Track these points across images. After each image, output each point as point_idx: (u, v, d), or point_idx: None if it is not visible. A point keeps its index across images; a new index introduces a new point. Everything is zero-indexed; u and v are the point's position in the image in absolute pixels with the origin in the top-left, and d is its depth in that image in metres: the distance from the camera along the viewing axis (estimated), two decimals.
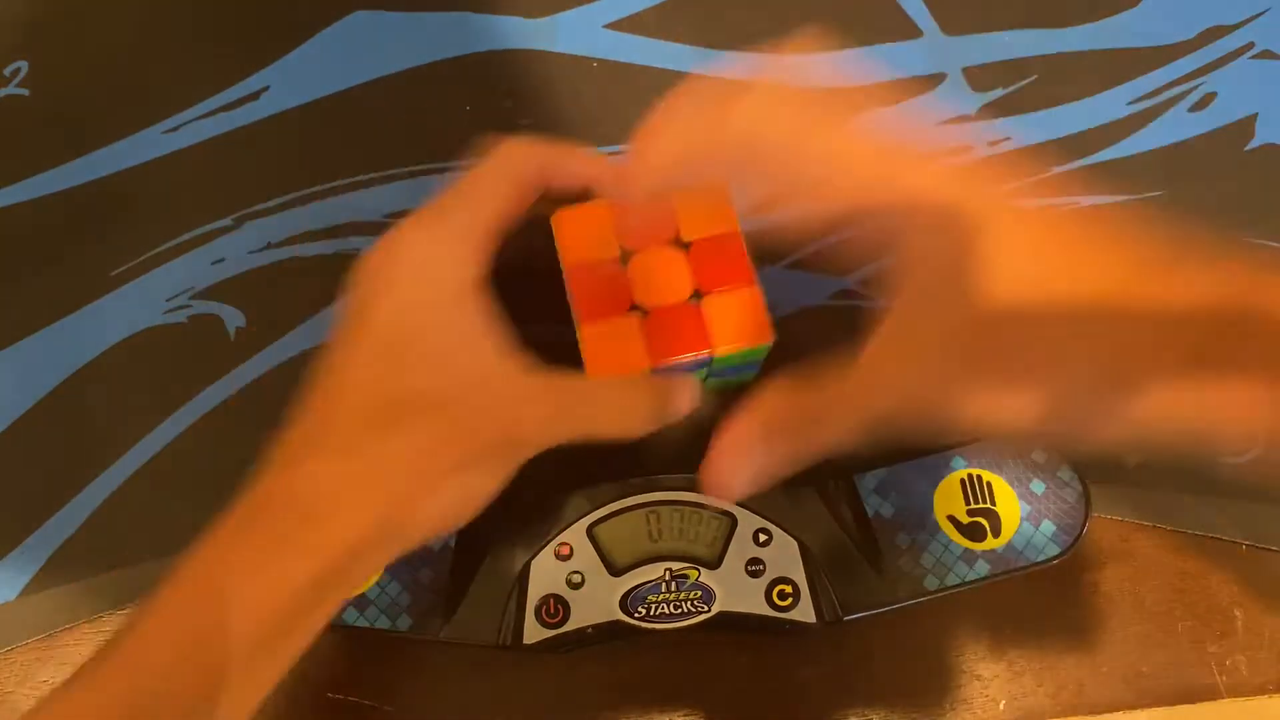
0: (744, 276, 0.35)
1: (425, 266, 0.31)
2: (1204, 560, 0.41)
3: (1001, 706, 0.40)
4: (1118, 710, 0.39)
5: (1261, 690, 0.39)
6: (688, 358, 0.34)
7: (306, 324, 0.41)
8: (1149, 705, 0.39)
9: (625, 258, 0.35)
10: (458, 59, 0.43)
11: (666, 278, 0.35)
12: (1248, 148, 0.44)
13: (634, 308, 0.35)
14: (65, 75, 0.42)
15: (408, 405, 0.30)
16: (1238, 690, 0.39)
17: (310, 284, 0.41)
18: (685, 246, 0.35)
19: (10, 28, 0.42)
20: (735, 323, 0.34)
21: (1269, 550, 0.41)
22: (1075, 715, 0.40)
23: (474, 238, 0.32)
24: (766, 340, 0.34)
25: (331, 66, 0.43)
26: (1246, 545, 0.41)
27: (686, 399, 0.34)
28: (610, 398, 0.33)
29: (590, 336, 0.34)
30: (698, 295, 0.35)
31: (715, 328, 0.34)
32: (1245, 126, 0.44)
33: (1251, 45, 0.44)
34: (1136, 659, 0.40)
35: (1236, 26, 0.44)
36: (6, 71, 0.42)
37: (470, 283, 0.31)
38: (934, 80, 0.43)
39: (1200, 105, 0.44)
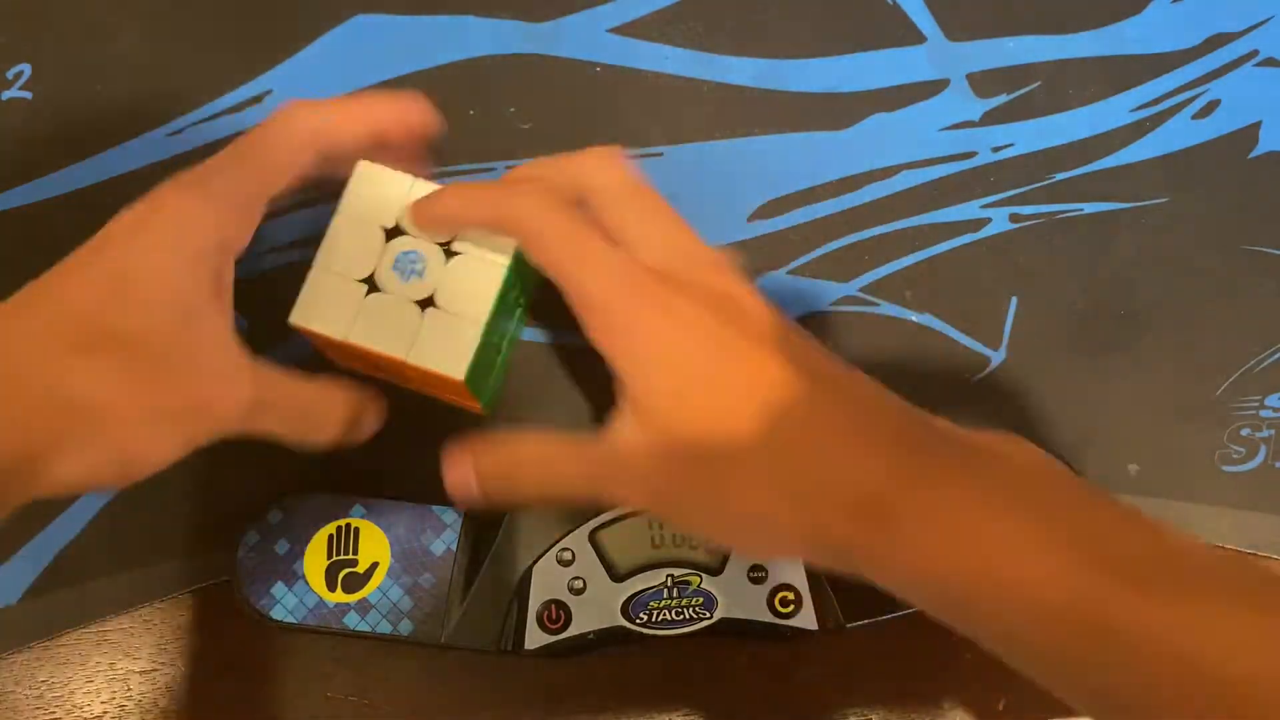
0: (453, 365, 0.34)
1: (176, 223, 0.30)
2: None
3: (1001, 707, 0.40)
4: None
5: None
6: (379, 353, 0.34)
7: None
8: None
9: (392, 233, 0.34)
10: (460, 63, 0.43)
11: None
12: (1251, 155, 0.44)
13: (368, 281, 0.34)
14: (68, 79, 0.42)
15: (112, 339, 0.29)
16: None
17: None
18: (449, 255, 0.34)
19: (13, 31, 0.42)
20: (442, 345, 0.34)
21: (1270, 559, 0.41)
22: (1075, 717, 0.40)
23: (235, 203, 0.31)
24: (458, 376, 0.33)
25: (333, 70, 0.43)
26: (1249, 551, 0.41)
27: (373, 421, 0.36)
28: (309, 404, 0.34)
29: (315, 282, 0.34)
30: (429, 305, 0.34)
31: (423, 342, 0.34)
32: (1249, 134, 0.44)
33: (1255, 53, 0.44)
34: None
35: (1240, 34, 0.44)
36: (9, 75, 0.42)
37: (216, 248, 0.31)
38: (937, 86, 0.43)
39: (1204, 113, 0.44)
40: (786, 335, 0.30)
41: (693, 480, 0.30)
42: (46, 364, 0.28)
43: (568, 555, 0.37)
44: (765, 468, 0.29)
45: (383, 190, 0.34)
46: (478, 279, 0.34)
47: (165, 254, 0.30)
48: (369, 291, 0.34)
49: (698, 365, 0.30)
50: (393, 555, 0.38)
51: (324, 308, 0.34)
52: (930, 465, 0.28)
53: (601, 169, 0.33)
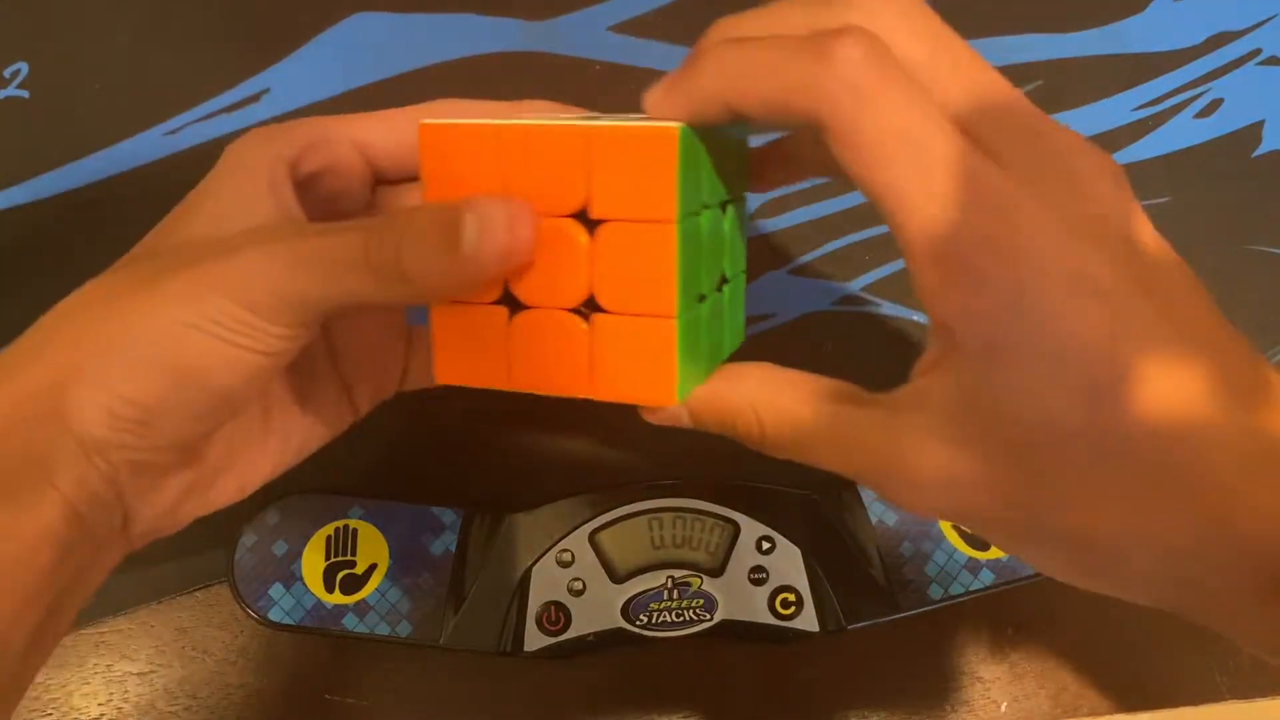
0: (662, 301, 0.24)
1: (243, 147, 0.28)
2: None
3: (1003, 708, 0.40)
4: (1119, 712, 0.39)
5: (1263, 692, 0.39)
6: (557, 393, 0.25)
7: None
8: (1151, 707, 0.39)
9: None
10: (459, 61, 0.43)
11: (551, 265, 0.24)
12: (1254, 154, 0.43)
13: (506, 297, 0.25)
14: (65, 77, 0.42)
15: (156, 251, 0.27)
16: (1239, 691, 0.39)
17: None
18: (591, 226, 0.24)
19: (10, 29, 0.42)
20: (631, 365, 0.24)
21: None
22: (1076, 717, 0.39)
23: (299, 135, 0.28)
24: (668, 402, 0.25)
25: (332, 69, 0.43)
26: None
27: (510, 237, 0.24)
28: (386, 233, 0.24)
29: (441, 326, 0.26)
30: (590, 307, 0.24)
31: (602, 365, 0.25)
32: (1252, 133, 0.43)
33: (1259, 51, 0.44)
34: (1138, 660, 0.40)
35: (1244, 32, 0.44)
36: (6, 73, 0.42)
37: (280, 161, 0.28)
38: None
39: (1207, 111, 0.43)
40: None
41: (1035, 488, 0.22)
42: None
43: (567, 556, 0.37)
44: (1154, 494, 0.22)
45: (467, 154, 0.25)
46: (641, 250, 0.24)
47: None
48: (512, 313, 0.25)
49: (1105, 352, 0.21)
50: (391, 556, 0.37)
51: (466, 354, 0.25)
52: None
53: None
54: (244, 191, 0.27)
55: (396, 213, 0.26)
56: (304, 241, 0.25)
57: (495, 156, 0.24)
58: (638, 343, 0.24)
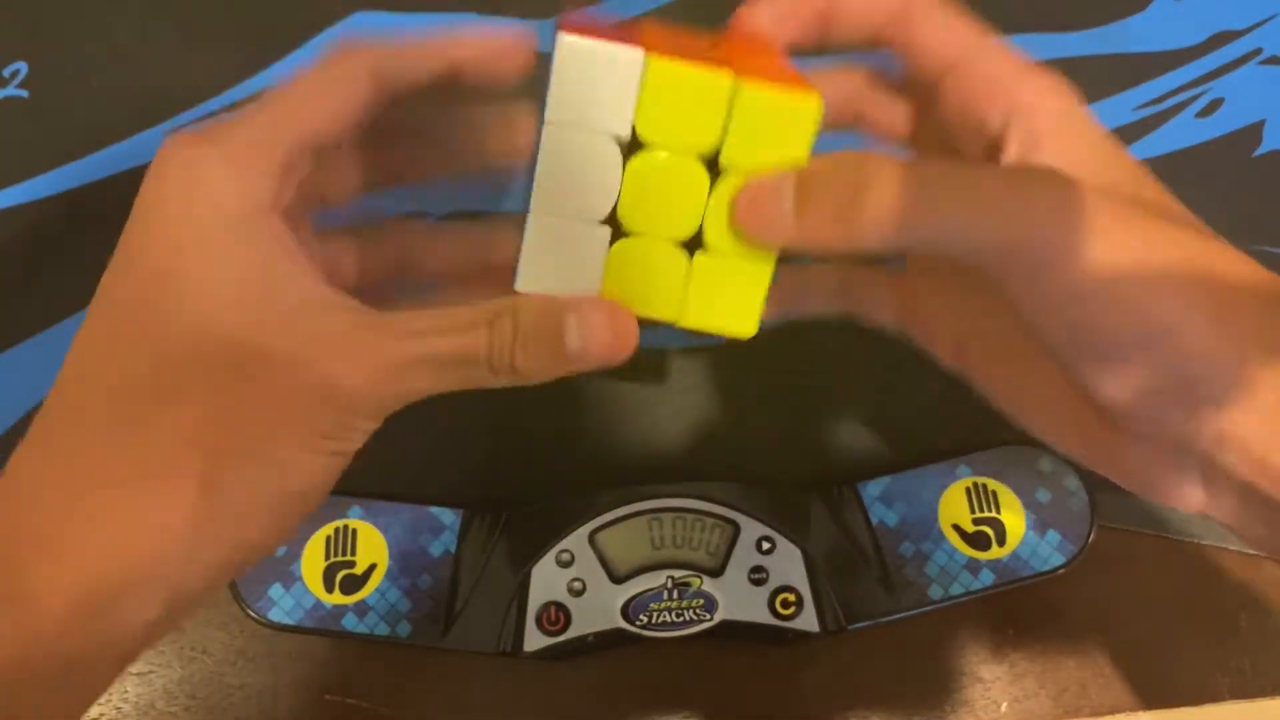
0: (763, 253, 0.25)
1: (199, 188, 0.23)
2: (1208, 563, 0.40)
3: (1003, 709, 0.39)
4: (1119, 712, 0.39)
5: (1265, 692, 0.39)
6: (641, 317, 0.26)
7: None
8: (1152, 707, 0.39)
9: (631, 146, 0.25)
10: None
11: (667, 199, 0.25)
12: (1255, 154, 0.43)
13: (611, 218, 0.25)
14: (65, 77, 0.42)
15: (181, 367, 0.23)
16: (1241, 692, 0.39)
17: None
18: (713, 171, 0.25)
19: (10, 29, 0.42)
20: (722, 300, 0.26)
21: (1274, 559, 0.41)
22: (1077, 718, 0.39)
23: (269, 154, 0.24)
24: (747, 334, 0.26)
25: None
26: (1253, 554, 0.41)
27: (612, 337, 0.25)
28: (464, 336, 0.24)
29: (539, 232, 0.25)
30: (694, 244, 0.26)
31: (696, 298, 0.26)
32: (1253, 132, 0.43)
33: (1260, 51, 0.44)
34: (1139, 661, 0.40)
35: (1244, 32, 0.44)
36: (6, 73, 0.42)
37: (260, 206, 0.24)
38: None
39: (1208, 111, 0.43)
40: None
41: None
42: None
43: (567, 556, 0.37)
44: None
45: (604, 80, 0.24)
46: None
47: (202, 242, 0.23)
48: (614, 237, 0.25)
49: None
50: (391, 557, 0.37)
51: (557, 266, 0.25)
52: None
53: None
54: (244, 267, 0.24)
55: (501, 309, 0.25)
56: (408, 344, 0.24)
57: (632, 87, 0.24)
58: (732, 281, 0.26)
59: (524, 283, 0.25)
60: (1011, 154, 0.25)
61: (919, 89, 0.28)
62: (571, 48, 0.25)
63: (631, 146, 0.25)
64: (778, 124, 0.24)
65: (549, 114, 0.25)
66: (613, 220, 0.25)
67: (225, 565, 0.24)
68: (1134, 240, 0.23)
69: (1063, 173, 0.24)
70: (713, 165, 0.25)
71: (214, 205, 0.24)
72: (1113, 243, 0.22)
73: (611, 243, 0.25)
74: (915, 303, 0.31)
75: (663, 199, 0.25)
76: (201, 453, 0.23)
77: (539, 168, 0.25)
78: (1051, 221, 0.22)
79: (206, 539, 0.23)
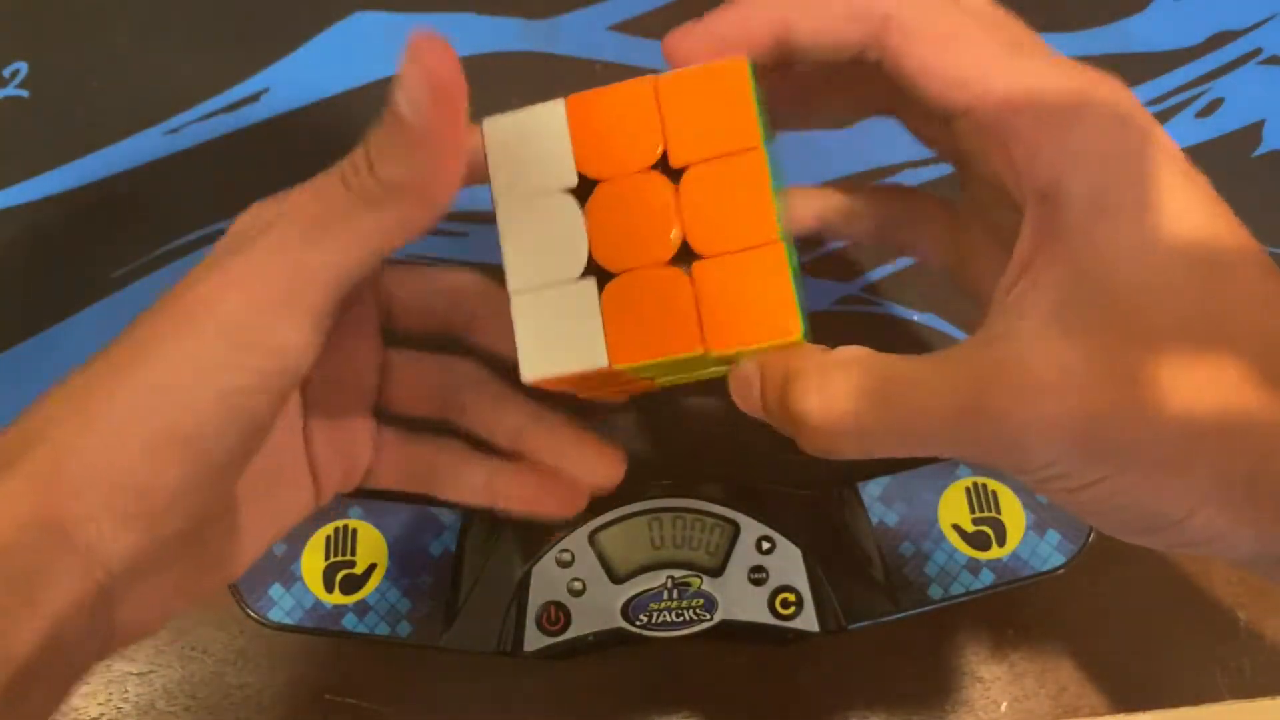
0: (762, 227, 0.23)
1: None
2: (1207, 563, 0.40)
3: (1003, 709, 0.39)
4: (1119, 712, 0.39)
5: (1264, 692, 0.39)
6: (665, 361, 0.24)
7: None
8: (1151, 707, 0.39)
9: (583, 188, 0.24)
10: (460, 60, 0.43)
11: (638, 221, 0.24)
12: (1255, 154, 0.43)
13: (592, 266, 0.24)
14: (65, 77, 0.42)
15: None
16: (1240, 692, 0.39)
17: None
18: (673, 175, 0.24)
19: (8, 29, 0.42)
20: (743, 305, 0.23)
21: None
22: (1077, 717, 0.39)
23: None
24: (791, 335, 0.23)
25: (332, 68, 0.43)
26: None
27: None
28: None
29: (525, 317, 0.24)
30: (686, 257, 0.24)
31: (712, 314, 0.23)
32: (1252, 133, 0.43)
33: (1259, 51, 0.44)
34: (1138, 661, 0.40)
35: (1244, 32, 0.44)
36: (6, 73, 0.42)
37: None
38: None
39: (1207, 111, 0.43)
40: None
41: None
42: None
43: (567, 556, 0.37)
44: None
45: (532, 138, 0.24)
46: (731, 183, 0.23)
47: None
48: (601, 283, 0.24)
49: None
50: (391, 556, 0.37)
51: (557, 340, 0.24)
52: None
53: None
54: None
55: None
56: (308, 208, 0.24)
57: (563, 134, 0.24)
58: (746, 279, 0.23)
59: (529, 372, 0.24)
60: (1048, 278, 0.21)
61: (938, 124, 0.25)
62: (495, 124, 0.25)
63: (584, 189, 0.24)
64: (712, 98, 0.23)
65: (495, 193, 0.24)
66: (595, 269, 0.24)
67: (124, 516, 0.23)
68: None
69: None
70: (671, 170, 0.24)
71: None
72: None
73: (600, 291, 0.24)
74: (968, 247, 0.29)
75: (633, 221, 0.23)
76: None
77: (503, 247, 0.24)
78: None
79: None
